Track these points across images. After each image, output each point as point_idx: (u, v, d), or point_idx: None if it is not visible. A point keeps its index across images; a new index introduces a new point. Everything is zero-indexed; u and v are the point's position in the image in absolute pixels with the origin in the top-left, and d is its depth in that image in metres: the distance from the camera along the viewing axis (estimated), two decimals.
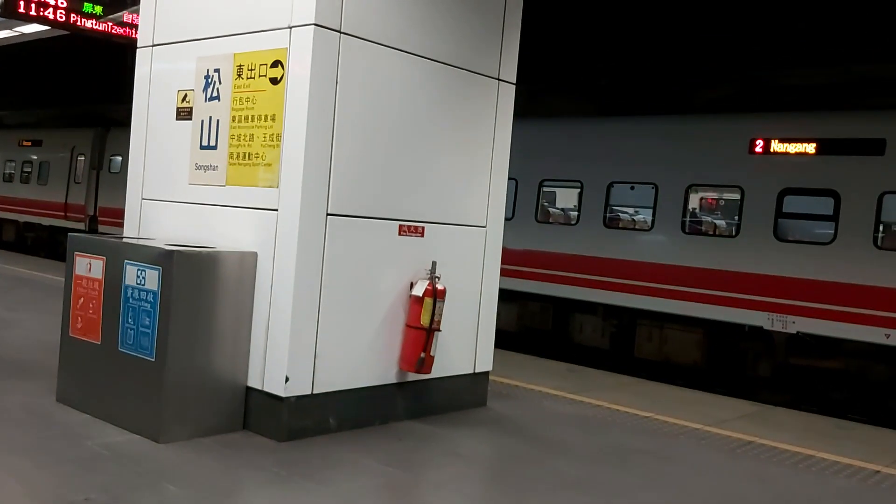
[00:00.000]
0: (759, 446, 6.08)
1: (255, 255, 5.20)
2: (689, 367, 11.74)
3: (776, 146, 11.05)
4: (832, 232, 10.51)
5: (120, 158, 20.18)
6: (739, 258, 11.15)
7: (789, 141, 10.95)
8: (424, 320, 5.63)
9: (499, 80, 6.38)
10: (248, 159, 5.30)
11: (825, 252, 10.57)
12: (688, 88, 13.51)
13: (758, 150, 11.18)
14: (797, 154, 10.89)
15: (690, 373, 11.54)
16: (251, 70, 5.30)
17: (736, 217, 11.53)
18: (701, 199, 13.82)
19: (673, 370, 11.59)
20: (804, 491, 5.23)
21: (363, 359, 5.55)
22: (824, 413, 8.74)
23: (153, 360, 4.87)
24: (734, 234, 11.53)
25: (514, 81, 6.52)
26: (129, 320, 5.04)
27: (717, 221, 13.30)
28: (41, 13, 9.97)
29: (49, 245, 22.29)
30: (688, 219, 12.07)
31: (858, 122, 10.65)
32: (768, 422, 7.02)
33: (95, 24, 10.38)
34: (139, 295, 4.99)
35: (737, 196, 11.51)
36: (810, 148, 10.79)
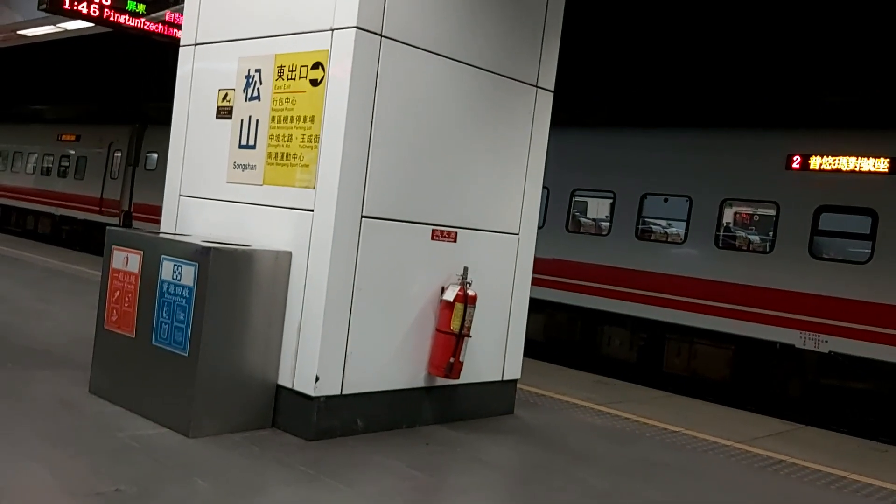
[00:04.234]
0: (790, 465, 5.99)
1: (289, 254, 5.24)
2: (719, 383, 11.61)
3: (813, 162, 10.92)
4: (869, 251, 10.35)
5: (156, 155, 20.42)
6: (773, 274, 11.02)
7: (826, 157, 10.82)
8: (455, 326, 5.63)
9: (537, 87, 6.37)
10: (286, 160, 5.35)
11: (861, 271, 10.42)
12: (726, 101, 13.41)
13: (795, 166, 11.06)
14: (834, 171, 10.75)
15: (720, 389, 11.42)
16: (292, 71, 5.35)
17: (770, 233, 11.40)
18: (735, 213, 13.69)
19: (702, 386, 11.47)
20: None
21: (393, 361, 5.56)
22: (855, 434, 8.60)
23: (186, 354, 4.92)
24: (768, 249, 11.40)
25: (553, 89, 6.51)
26: (164, 315, 5.10)
27: (752, 237, 13.16)
28: (85, 10, 10.14)
29: (84, 238, 22.62)
30: (721, 233, 11.95)
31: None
32: (799, 441, 6.92)
33: (138, 23, 10.54)
34: (175, 290, 5.04)
35: (772, 212, 11.39)
36: (848, 165, 10.66)
